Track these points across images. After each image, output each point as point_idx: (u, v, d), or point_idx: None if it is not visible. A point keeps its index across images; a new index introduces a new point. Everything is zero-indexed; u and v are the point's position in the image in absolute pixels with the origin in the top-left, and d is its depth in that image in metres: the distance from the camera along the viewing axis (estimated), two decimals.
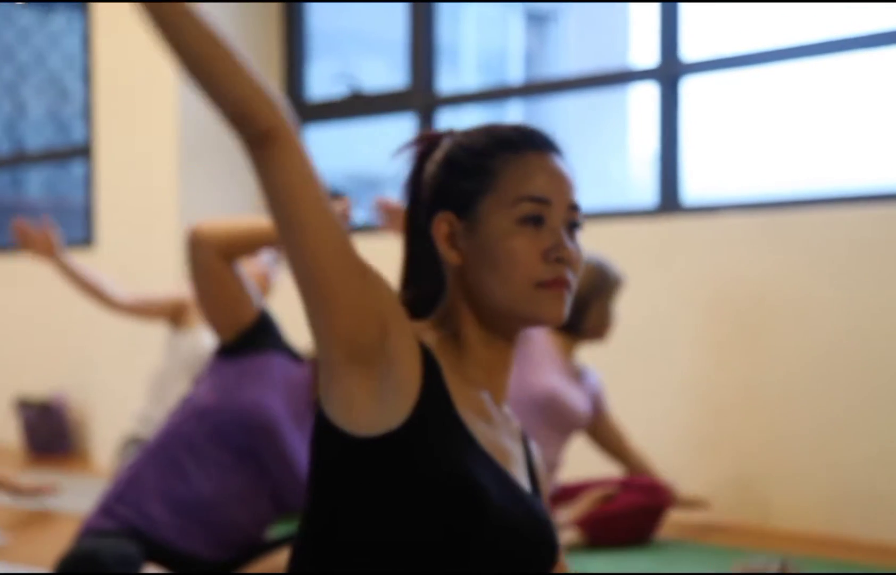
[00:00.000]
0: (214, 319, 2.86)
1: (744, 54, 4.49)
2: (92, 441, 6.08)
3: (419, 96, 5.39)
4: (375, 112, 5.71)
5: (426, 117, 5.39)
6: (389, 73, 5.78)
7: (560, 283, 1.53)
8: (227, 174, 5.65)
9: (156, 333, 5.43)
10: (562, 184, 1.56)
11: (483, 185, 1.56)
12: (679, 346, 4.25)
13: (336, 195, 5.46)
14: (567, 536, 3.76)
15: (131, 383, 5.43)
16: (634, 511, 3.85)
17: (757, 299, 4.26)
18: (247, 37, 5.68)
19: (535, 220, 1.53)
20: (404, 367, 1.46)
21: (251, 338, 2.90)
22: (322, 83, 5.99)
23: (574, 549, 3.75)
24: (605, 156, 9.11)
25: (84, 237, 6.46)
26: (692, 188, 4.63)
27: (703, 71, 4.62)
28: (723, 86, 4.77)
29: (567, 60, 10.99)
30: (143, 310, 4.24)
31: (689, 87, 4.61)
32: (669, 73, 4.59)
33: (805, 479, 4.15)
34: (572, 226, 1.57)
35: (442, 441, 1.47)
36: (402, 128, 5.67)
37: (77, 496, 4.63)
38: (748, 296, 4.27)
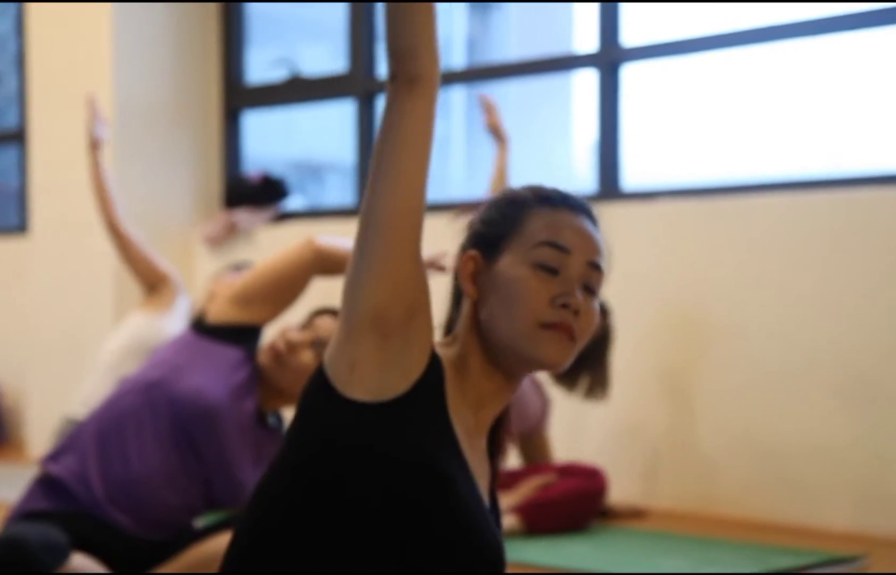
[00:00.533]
0: (261, 302, 2.93)
1: (684, 40, 4.50)
2: (26, 429, 5.99)
3: (359, 81, 5.35)
4: (315, 97, 5.67)
5: (366, 102, 5.35)
6: (331, 60, 5.74)
7: (563, 329, 1.57)
8: (162, 160, 5.59)
9: (93, 319, 5.35)
10: (586, 241, 1.62)
11: (512, 228, 1.63)
12: (618, 331, 4.24)
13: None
14: (506, 522, 3.75)
15: (67, 371, 5.35)
16: (573, 496, 3.85)
17: (695, 284, 4.27)
18: (185, 20, 5.61)
19: (551, 268, 1.59)
20: (414, 354, 1.52)
21: (242, 332, 2.93)
22: (262, 69, 5.93)
23: (513, 535, 3.74)
24: (548, 142, 9.11)
25: (18, 224, 6.36)
26: (632, 174, 4.64)
27: (643, 57, 4.63)
28: (664, 72, 4.78)
29: (510, 47, 10.98)
30: (135, 252, 4.05)
31: (630, 74, 4.62)
32: (609, 59, 4.59)
33: (743, 465, 4.17)
34: (590, 287, 1.61)
35: (425, 430, 1.52)
36: (342, 114, 5.63)
37: (9, 487, 4.56)
38: (687, 280, 4.28)
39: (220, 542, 2.82)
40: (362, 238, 1.52)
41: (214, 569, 2.75)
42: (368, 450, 1.49)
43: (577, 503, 3.87)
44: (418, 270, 1.52)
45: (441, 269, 2.74)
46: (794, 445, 4.08)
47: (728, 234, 4.23)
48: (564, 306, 1.58)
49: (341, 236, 3.61)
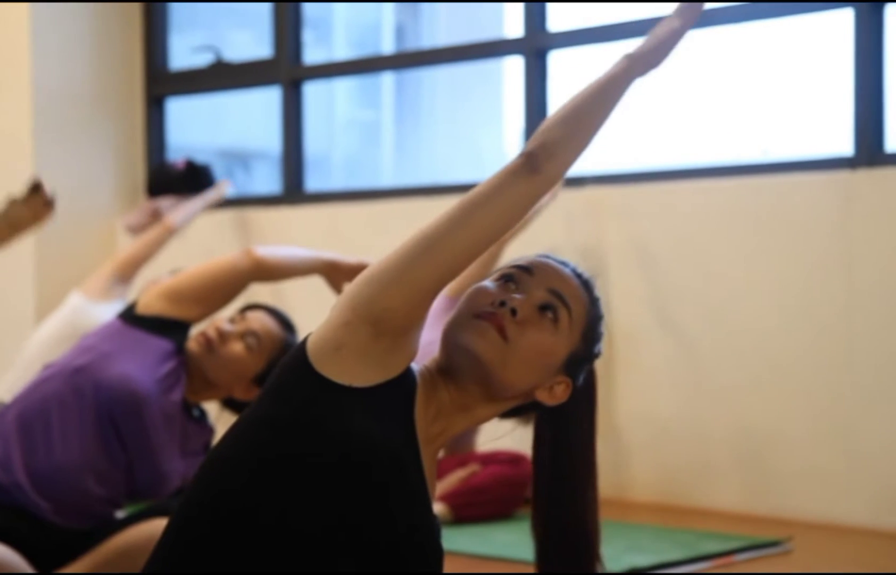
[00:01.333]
0: (193, 301, 2.98)
1: (611, 26, 4.50)
2: None
3: (284, 68, 5.29)
4: (239, 84, 5.60)
5: (292, 89, 5.30)
6: (258, 47, 5.66)
7: (491, 319, 1.62)
8: (85, 148, 5.50)
9: (14, 307, 5.25)
10: (554, 272, 1.69)
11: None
12: None
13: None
14: (434, 510, 3.73)
15: None
16: (498, 483, 3.84)
17: (619, 267, 4.28)
18: (107, 5, 5.51)
19: (510, 277, 1.67)
20: (395, 359, 1.59)
21: (170, 325, 2.95)
22: (186, 55, 5.84)
23: (442, 523, 3.72)
24: (479, 128, 9.10)
25: None
26: None
27: (570, 44, 4.62)
28: (591, 58, 4.79)
29: (440, 33, 10.95)
30: (151, 251, 4.45)
31: (558, 60, 4.61)
32: (536, 45, 4.58)
33: (667, 451, 4.18)
34: (548, 308, 1.65)
35: (390, 421, 1.58)
36: (269, 100, 5.57)
37: None
38: (611, 263, 4.29)
39: (141, 531, 2.82)
40: (414, 255, 1.58)
41: (135, 558, 2.73)
42: (333, 426, 1.54)
43: (502, 490, 3.86)
44: (432, 301, 1.61)
45: None
46: (716, 430, 4.10)
47: (653, 218, 4.24)
48: (501, 304, 1.62)
49: (269, 227, 3.58)
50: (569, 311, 1.67)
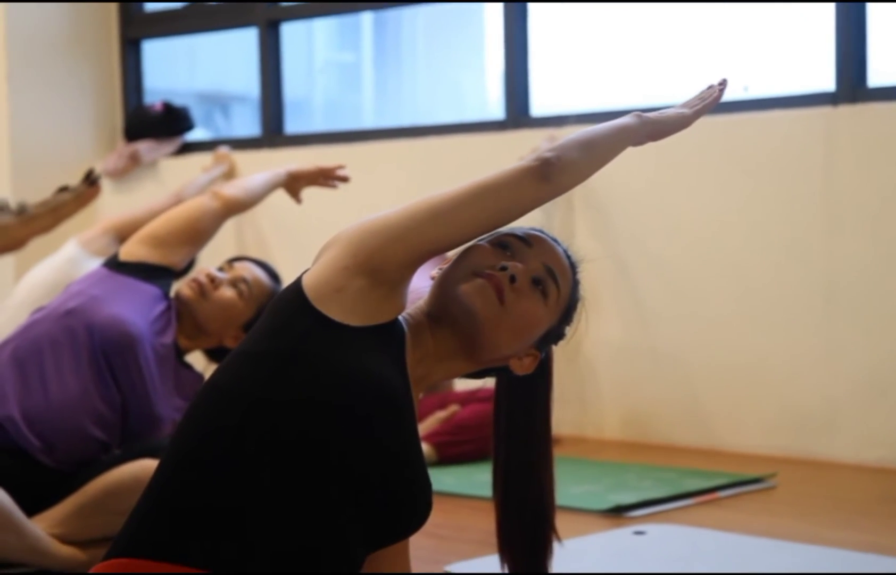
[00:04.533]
0: (173, 244, 3.04)
1: None
2: None
3: (262, 7, 5.23)
4: (216, 25, 5.53)
5: (270, 29, 5.24)
6: None
7: (491, 279, 1.67)
8: (61, 92, 5.44)
9: None
10: (550, 248, 1.75)
11: None
12: None
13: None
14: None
15: None
16: (482, 421, 3.83)
17: (604, 205, 4.26)
18: None
19: (507, 246, 1.71)
20: (390, 304, 1.66)
21: (155, 271, 2.99)
22: None
23: (427, 464, 3.73)
24: (459, 70, 9.05)
25: None
26: (541, 100, 4.60)
27: None
28: (567, 2, 4.74)
29: None
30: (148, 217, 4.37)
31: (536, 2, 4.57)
32: None
33: (652, 388, 4.19)
34: (540, 282, 1.71)
35: (384, 359, 1.63)
36: (247, 42, 5.51)
37: None
38: (595, 202, 4.28)
39: (125, 471, 2.81)
40: (421, 219, 1.64)
41: (121, 498, 2.72)
42: (333, 360, 1.59)
43: (485, 428, 3.83)
44: (422, 264, 1.68)
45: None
46: (697, 367, 4.10)
47: (638, 154, 4.20)
48: (502, 269, 1.68)
49: (248, 169, 3.58)
50: (558, 289, 1.74)
